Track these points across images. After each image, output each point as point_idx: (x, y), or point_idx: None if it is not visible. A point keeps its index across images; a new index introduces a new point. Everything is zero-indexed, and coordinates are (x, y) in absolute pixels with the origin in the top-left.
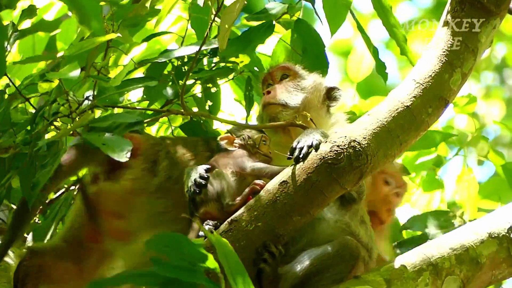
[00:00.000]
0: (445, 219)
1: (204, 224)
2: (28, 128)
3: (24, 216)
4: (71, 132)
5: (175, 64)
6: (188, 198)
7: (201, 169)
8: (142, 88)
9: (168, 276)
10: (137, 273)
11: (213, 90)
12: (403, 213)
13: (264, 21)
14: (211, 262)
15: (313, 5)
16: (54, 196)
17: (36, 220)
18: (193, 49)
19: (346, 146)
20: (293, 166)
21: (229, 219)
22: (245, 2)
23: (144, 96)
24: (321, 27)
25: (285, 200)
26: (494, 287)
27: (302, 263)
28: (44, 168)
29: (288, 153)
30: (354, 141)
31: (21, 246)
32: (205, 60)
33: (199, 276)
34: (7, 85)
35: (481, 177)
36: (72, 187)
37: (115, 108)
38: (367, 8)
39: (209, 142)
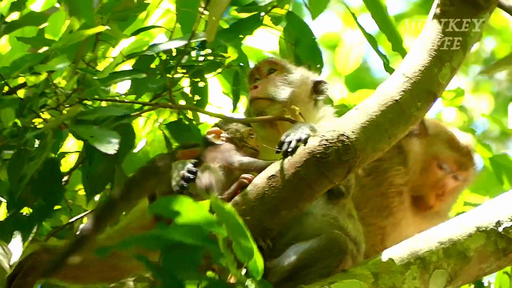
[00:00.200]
0: None
1: None
2: (16, 120)
3: (110, 208)
4: (59, 125)
5: (163, 57)
6: (176, 193)
7: (189, 163)
8: (130, 81)
9: (172, 240)
10: (141, 237)
11: (201, 84)
12: None
13: (253, 13)
14: (216, 226)
15: None
16: None
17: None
18: (182, 42)
19: (335, 140)
20: (281, 160)
21: None
22: None
23: (131, 90)
24: (310, 20)
25: (273, 194)
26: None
27: (290, 257)
28: (32, 161)
29: (277, 147)
30: (343, 135)
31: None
32: (193, 53)
33: (204, 239)
34: None
35: None
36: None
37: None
38: (354, 1)
39: None
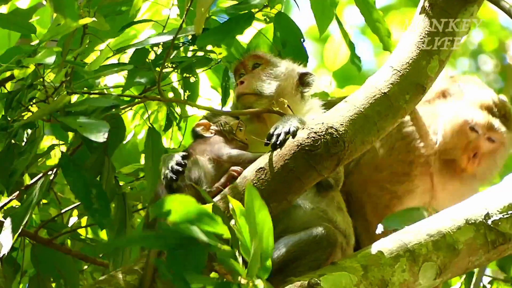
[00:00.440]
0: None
1: None
2: (3, 113)
3: None
4: (48, 117)
5: (154, 51)
6: (165, 185)
7: (178, 156)
8: (119, 75)
9: (177, 238)
10: (145, 236)
11: (192, 80)
12: None
13: (244, 12)
14: (220, 226)
15: None
16: (31, 182)
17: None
18: (171, 36)
19: (323, 132)
20: (270, 152)
21: None
22: None
23: (125, 83)
24: (298, 15)
25: (262, 186)
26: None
27: (280, 250)
28: (21, 156)
29: (265, 140)
30: (332, 127)
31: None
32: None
33: (206, 239)
34: None
35: None
36: (49, 172)
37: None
38: None
39: None
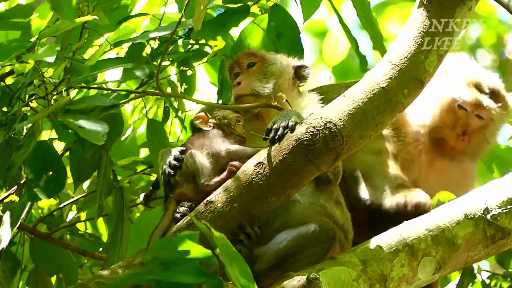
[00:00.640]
0: None
1: (179, 206)
2: (4, 109)
3: None
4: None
5: (150, 45)
6: (163, 180)
7: (175, 151)
8: (120, 70)
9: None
10: (133, 274)
11: (189, 73)
12: None
13: (240, 4)
14: (212, 258)
15: None
16: None
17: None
18: (169, 30)
19: (322, 127)
20: (268, 147)
21: (204, 200)
22: None
23: (122, 78)
24: (296, 10)
25: (261, 181)
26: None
27: (278, 245)
28: (20, 150)
29: (264, 135)
30: (330, 122)
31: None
32: (180, 42)
33: (201, 276)
34: None
35: None
36: None
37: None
38: None
39: None
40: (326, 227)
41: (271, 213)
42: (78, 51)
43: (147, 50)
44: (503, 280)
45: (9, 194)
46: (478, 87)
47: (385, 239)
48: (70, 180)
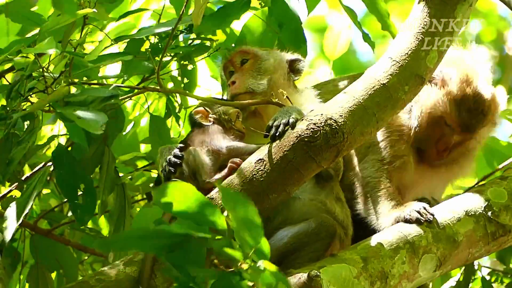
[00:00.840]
0: None
1: None
2: (4, 103)
3: None
4: (47, 107)
5: (151, 40)
6: (164, 178)
7: (175, 148)
8: (120, 65)
9: (173, 240)
10: (142, 236)
11: (190, 67)
12: None
13: None
14: (218, 217)
15: None
16: (31, 172)
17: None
18: (170, 26)
19: (323, 124)
20: (269, 144)
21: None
22: None
23: (121, 73)
24: (296, 4)
25: (262, 178)
26: None
27: (279, 241)
28: (20, 145)
29: (265, 131)
30: (331, 119)
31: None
32: (181, 37)
33: (207, 230)
34: None
35: None
36: (50, 163)
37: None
38: None
39: None
40: (326, 223)
41: (272, 210)
42: (78, 47)
43: (147, 45)
44: (504, 277)
45: (10, 191)
46: (468, 107)
47: (386, 236)
48: None
